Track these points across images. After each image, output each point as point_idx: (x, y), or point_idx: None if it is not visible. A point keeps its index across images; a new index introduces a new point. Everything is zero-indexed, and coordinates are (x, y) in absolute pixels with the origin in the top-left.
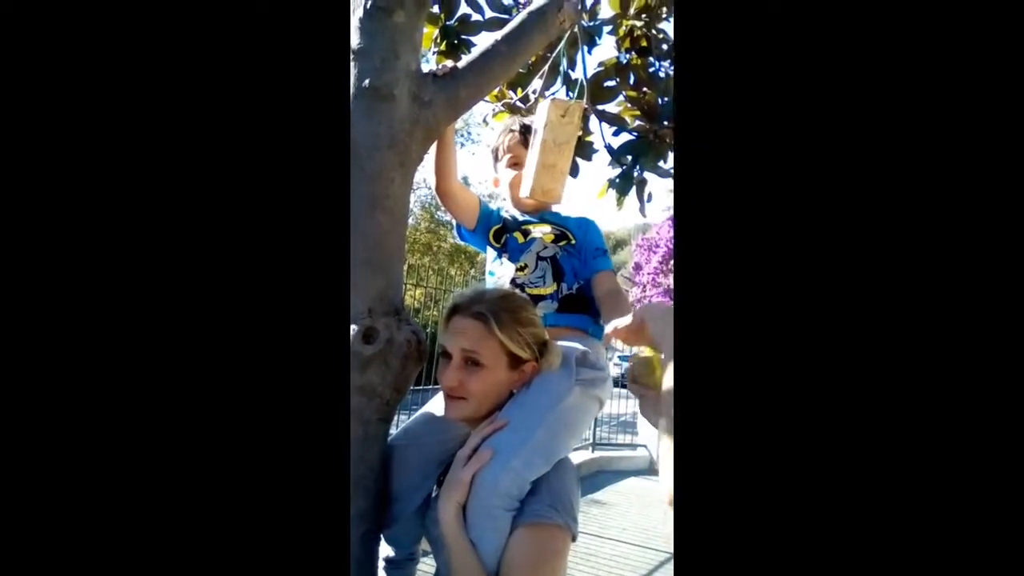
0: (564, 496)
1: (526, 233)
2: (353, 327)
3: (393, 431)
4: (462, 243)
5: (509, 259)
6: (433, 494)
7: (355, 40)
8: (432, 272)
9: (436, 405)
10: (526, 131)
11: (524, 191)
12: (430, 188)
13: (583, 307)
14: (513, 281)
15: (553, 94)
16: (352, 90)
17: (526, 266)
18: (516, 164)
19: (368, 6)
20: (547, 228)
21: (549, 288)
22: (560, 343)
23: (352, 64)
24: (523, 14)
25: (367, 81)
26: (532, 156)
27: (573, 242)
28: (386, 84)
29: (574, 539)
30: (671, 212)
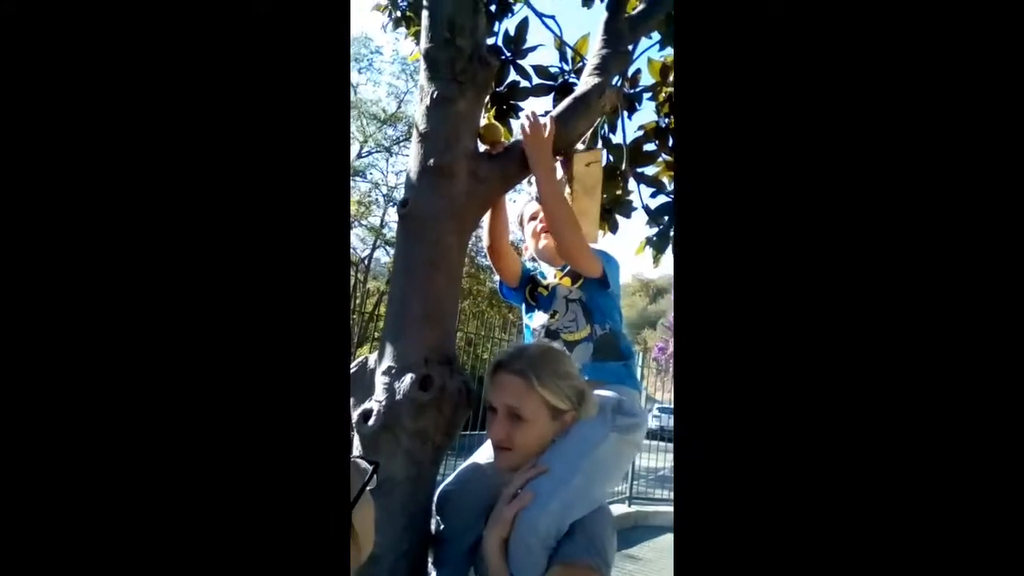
0: (598, 539)
1: (547, 286)
2: (411, 375)
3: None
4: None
5: (541, 311)
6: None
7: (422, 124)
8: (471, 316)
9: (482, 454)
10: None
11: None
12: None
13: (616, 352)
14: (547, 328)
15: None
16: (418, 167)
17: (556, 312)
18: (535, 217)
19: (435, 96)
20: (563, 273)
21: (583, 331)
22: (597, 392)
23: (419, 145)
24: (568, 100)
25: (431, 161)
26: None
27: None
28: (447, 164)
29: None
30: None
